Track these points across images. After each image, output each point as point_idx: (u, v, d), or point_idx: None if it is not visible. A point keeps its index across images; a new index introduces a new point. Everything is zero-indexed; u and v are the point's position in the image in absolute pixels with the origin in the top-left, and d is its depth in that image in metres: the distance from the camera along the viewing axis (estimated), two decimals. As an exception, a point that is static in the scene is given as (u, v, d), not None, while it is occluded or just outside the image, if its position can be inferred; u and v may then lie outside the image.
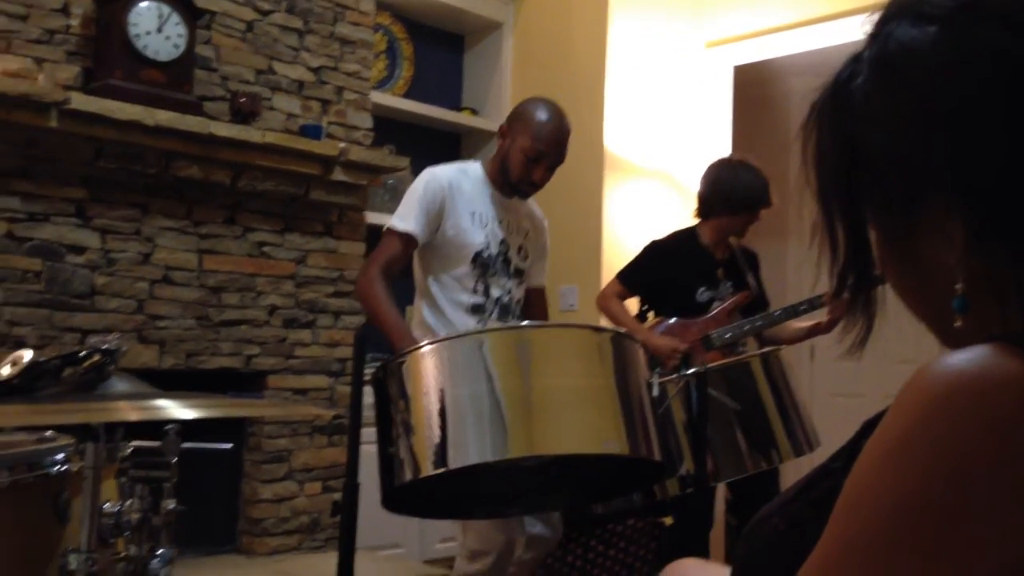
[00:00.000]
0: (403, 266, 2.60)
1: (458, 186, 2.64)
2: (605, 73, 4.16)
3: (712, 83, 4.35)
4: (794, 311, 3.04)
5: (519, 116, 2.66)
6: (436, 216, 2.59)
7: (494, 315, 2.69)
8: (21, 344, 2.89)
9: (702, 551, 2.35)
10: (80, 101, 2.90)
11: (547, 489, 2.11)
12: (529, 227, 2.80)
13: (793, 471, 2.23)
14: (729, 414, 2.38)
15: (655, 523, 3.13)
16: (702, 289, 3.12)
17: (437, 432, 1.72)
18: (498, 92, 4.58)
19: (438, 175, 2.63)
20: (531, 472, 2.00)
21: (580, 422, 1.81)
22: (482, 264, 2.64)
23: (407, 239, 2.56)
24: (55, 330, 2.98)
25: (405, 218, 2.57)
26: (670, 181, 4.33)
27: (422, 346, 1.81)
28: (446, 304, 2.64)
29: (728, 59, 4.31)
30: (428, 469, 1.71)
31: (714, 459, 2.33)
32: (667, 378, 2.36)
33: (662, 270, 3.16)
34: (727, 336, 3.06)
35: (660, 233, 3.33)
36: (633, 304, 3.26)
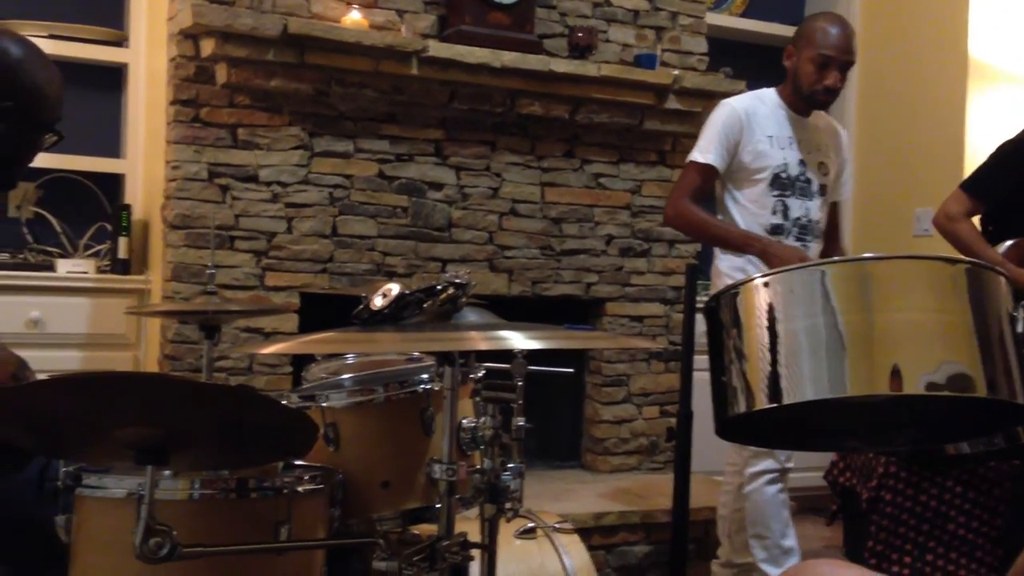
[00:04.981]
0: (705, 196, 2.76)
1: (754, 112, 2.74)
2: (970, -32, 3.72)
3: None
4: None
5: (800, 34, 2.75)
6: (734, 145, 2.72)
7: (792, 235, 2.75)
8: (392, 274, 3.26)
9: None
10: (436, 48, 3.15)
11: (892, 425, 2.01)
12: (829, 142, 2.83)
13: None
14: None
15: (1020, 466, 2.86)
16: None
17: (771, 365, 1.70)
18: (846, 1, 4.27)
19: (734, 105, 2.76)
20: (874, 407, 1.92)
21: (929, 360, 1.70)
22: (780, 185, 2.74)
23: (707, 170, 2.72)
24: (419, 259, 3.32)
25: (704, 151, 2.73)
26: (1051, 87, 3.81)
27: (755, 278, 1.78)
28: (745, 225, 2.74)
29: None
30: (761, 402, 1.70)
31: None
32: (1036, 312, 2.12)
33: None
34: None
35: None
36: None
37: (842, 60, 2.67)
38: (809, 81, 2.68)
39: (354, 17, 3.14)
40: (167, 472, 1.39)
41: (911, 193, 3.97)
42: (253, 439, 1.33)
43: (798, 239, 2.75)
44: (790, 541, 2.73)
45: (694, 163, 2.75)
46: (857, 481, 2.94)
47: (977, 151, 3.75)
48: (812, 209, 2.77)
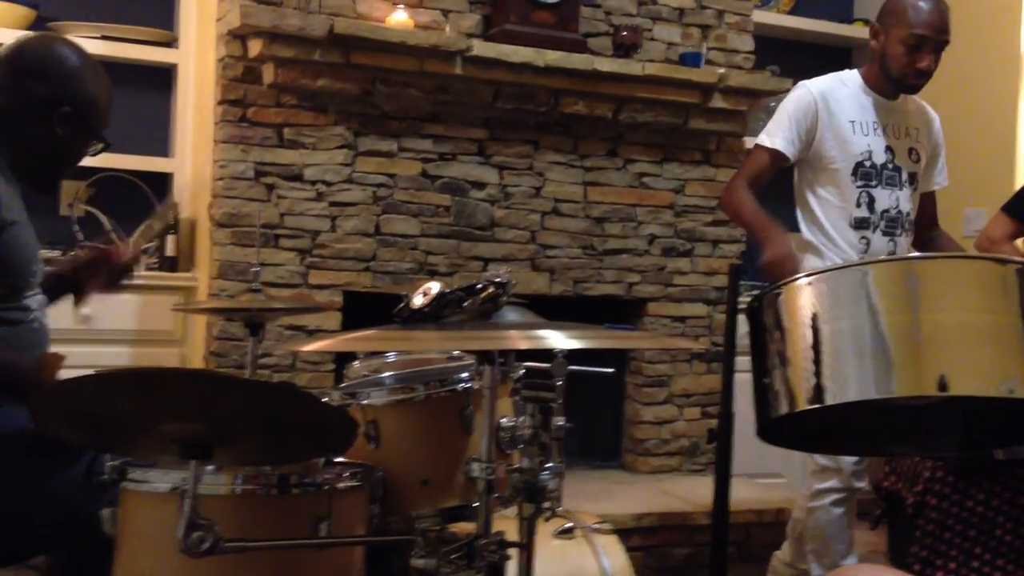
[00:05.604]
0: (768, 181, 2.59)
1: (833, 96, 2.56)
2: (1025, -36, 3.65)
3: None
4: None
5: (890, 11, 2.53)
6: (809, 130, 2.54)
7: (880, 229, 2.58)
8: (435, 273, 3.27)
9: None
10: (480, 48, 3.16)
11: (937, 429, 1.98)
12: (920, 126, 2.65)
13: None
14: None
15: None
16: None
17: (814, 366, 1.68)
18: (896, -2, 4.20)
19: (809, 87, 2.58)
20: (919, 411, 1.89)
21: (977, 361, 1.67)
22: (864, 175, 2.55)
23: (775, 155, 2.55)
24: (461, 258, 3.33)
25: (773, 134, 2.56)
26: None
27: (799, 278, 1.77)
28: (827, 220, 2.59)
29: None
30: (803, 404, 1.68)
31: None
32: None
33: None
34: None
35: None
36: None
37: (937, 40, 2.45)
38: (899, 64, 2.47)
39: (399, 17, 3.16)
40: (210, 467, 1.41)
41: (961, 193, 3.88)
42: (295, 435, 1.35)
43: (886, 233, 2.58)
44: (851, 561, 2.64)
45: (758, 146, 2.59)
46: (903, 485, 2.89)
47: (1030, 150, 3.67)
48: (901, 200, 2.58)
